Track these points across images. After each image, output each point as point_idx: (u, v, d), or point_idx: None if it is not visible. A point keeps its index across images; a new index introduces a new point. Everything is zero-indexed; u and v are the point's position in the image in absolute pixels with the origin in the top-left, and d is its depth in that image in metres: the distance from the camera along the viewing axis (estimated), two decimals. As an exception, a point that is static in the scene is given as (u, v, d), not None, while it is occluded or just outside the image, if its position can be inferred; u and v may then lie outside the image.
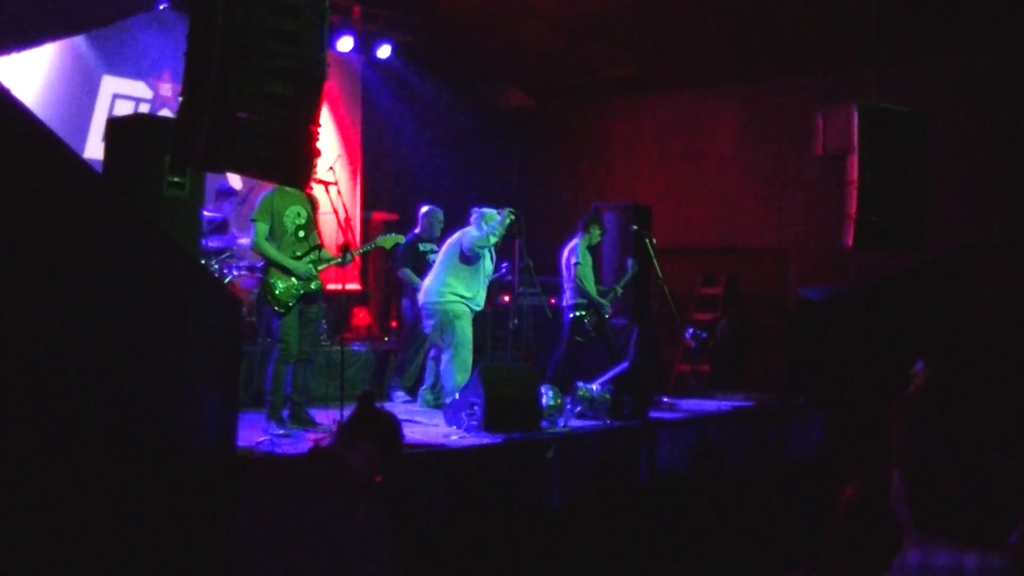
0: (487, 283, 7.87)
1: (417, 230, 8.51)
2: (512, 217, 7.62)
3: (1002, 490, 1.39)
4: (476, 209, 7.85)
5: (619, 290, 8.89)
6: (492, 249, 7.77)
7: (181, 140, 4.76)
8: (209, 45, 4.64)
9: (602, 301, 8.69)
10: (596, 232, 8.79)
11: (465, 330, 7.53)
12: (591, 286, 8.65)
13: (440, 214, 8.50)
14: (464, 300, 7.58)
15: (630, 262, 9.02)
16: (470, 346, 7.55)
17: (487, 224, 7.63)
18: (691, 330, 10.17)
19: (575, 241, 8.70)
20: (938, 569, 1.38)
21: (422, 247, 8.41)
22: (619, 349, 8.95)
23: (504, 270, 8.66)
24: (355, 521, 3.12)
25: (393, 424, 3.37)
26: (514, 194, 9.19)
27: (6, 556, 3.36)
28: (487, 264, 7.78)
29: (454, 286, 7.58)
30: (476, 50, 11.98)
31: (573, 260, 8.61)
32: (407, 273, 8.34)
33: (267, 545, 3.14)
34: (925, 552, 1.41)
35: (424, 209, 8.60)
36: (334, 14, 5.25)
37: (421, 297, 7.77)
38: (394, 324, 10.19)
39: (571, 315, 8.61)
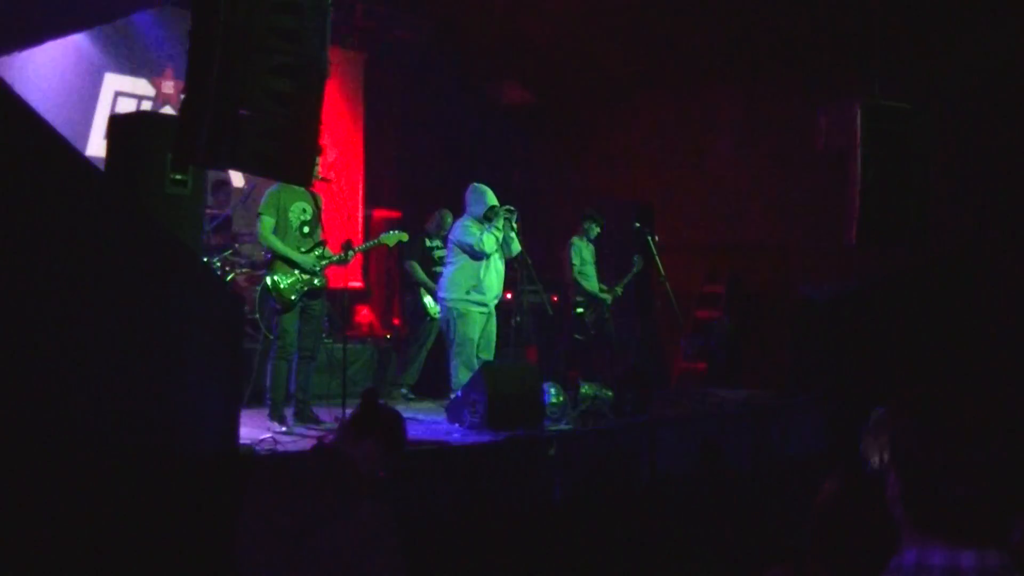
0: (501, 274, 7.74)
1: (428, 225, 8.60)
2: (511, 215, 7.61)
3: (998, 488, 1.39)
4: (473, 186, 7.77)
5: (619, 290, 8.89)
6: (502, 235, 7.63)
7: (183, 137, 4.76)
8: (211, 42, 4.64)
9: (604, 297, 8.68)
10: (593, 229, 8.78)
11: (467, 330, 7.51)
12: (592, 284, 8.64)
13: (449, 215, 8.58)
14: (467, 299, 7.54)
15: (635, 259, 9.02)
16: (472, 345, 7.52)
17: (478, 203, 7.59)
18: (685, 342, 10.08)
19: (573, 241, 8.70)
20: (934, 568, 1.38)
21: (429, 243, 8.51)
22: (621, 346, 8.96)
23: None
24: (359, 517, 3.12)
25: (396, 420, 3.37)
26: (516, 191, 9.17)
27: (7, 556, 3.37)
28: (495, 261, 7.68)
29: (459, 282, 7.56)
30: (478, 47, 11.97)
31: (568, 262, 8.61)
32: (412, 266, 8.40)
33: (272, 542, 3.14)
34: (921, 551, 1.41)
35: (440, 210, 8.72)
36: (336, 11, 5.25)
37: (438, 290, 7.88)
38: (396, 322, 10.20)
39: (571, 312, 8.62)
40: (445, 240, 8.22)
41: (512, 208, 7.63)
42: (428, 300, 8.37)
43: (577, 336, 8.62)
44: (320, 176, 6.36)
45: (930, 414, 1.44)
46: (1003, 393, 1.49)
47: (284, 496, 3.21)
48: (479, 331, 7.56)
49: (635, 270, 8.93)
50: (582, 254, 8.66)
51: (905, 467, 1.44)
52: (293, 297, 6.35)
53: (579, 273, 8.59)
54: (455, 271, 7.59)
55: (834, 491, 2.26)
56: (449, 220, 8.51)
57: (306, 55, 4.90)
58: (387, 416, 3.37)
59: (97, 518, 3.81)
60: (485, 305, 7.57)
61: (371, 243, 7.24)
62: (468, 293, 7.51)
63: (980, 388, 1.48)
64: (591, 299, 8.62)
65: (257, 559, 3.17)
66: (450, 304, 7.56)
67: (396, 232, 7.50)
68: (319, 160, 6.05)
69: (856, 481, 2.31)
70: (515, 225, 7.61)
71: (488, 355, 7.59)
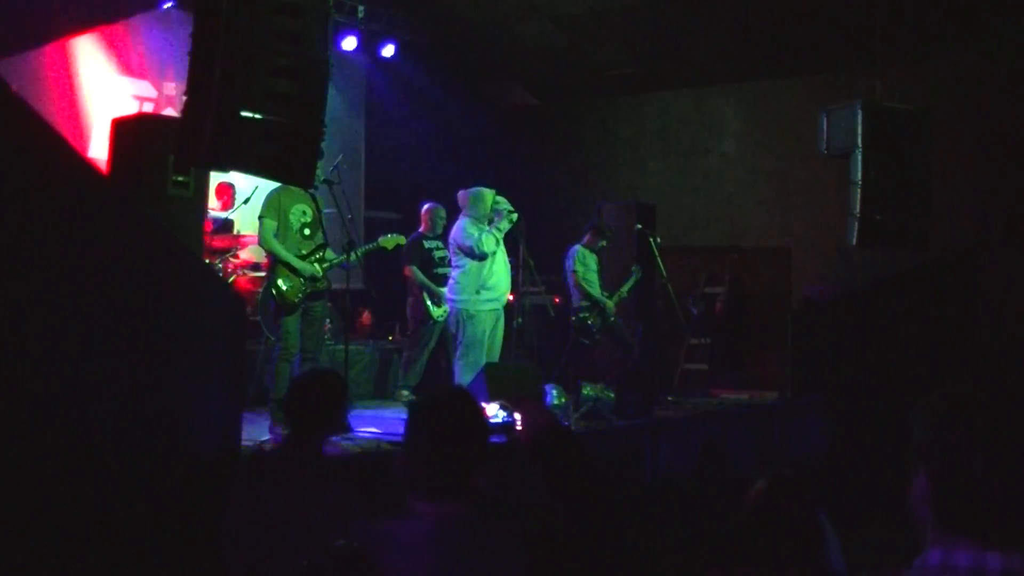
0: (508, 266, 7.64)
1: (421, 228, 8.52)
2: (513, 217, 7.57)
3: None
4: (464, 192, 7.65)
5: (623, 293, 8.88)
6: (502, 235, 7.56)
7: (185, 139, 4.76)
8: (213, 44, 4.64)
9: (607, 302, 8.64)
10: (599, 241, 8.76)
11: (476, 332, 7.46)
12: (595, 290, 8.61)
13: (442, 210, 8.52)
14: (477, 299, 7.50)
15: (633, 268, 8.99)
16: (482, 347, 7.46)
17: (478, 207, 7.54)
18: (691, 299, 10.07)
19: (576, 248, 8.66)
20: (959, 569, 1.37)
21: (427, 244, 8.42)
22: (632, 343, 8.91)
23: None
24: (327, 502, 3.24)
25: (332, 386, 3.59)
26: (518, 193, 9.18)
27: (7, 556, 3.36)
28: (500, 257, 7.64)
29: (465, 284, 7.51)
30: (480, 49, 11.97)
31: (571, 268, 8.58)
32: (414, 271, 8.34)
33: (262, 536, 3.20)
34: (946, 551, 1.39)
35: (426, 207, 8.61)
36: (338, 13, 5.24)
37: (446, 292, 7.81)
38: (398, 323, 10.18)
39: (574, 317, 8.59)
40: (445, 240, 8.19)
41: (513, 210, 7.60)
42: (430, 303, 8.33)
43: (583, 340, 8.58)
44: (323, 178, 6.36)
45: (961, 415, 1.43)
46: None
47: (267, 490, 3.32)
48: (488, 332, 7.51)
49: (633, 280, 8.89)
50: (586, 261, 8.62)
51: (935, 467, 1.43)
52: (296, 300, 6.34)
53: (583, 279, 8.56)
54: (461, 274, 7.52)
55: (762, 493, 2.26)
56: (442, 215, 8.49)
57: (307, 57, 4.90)
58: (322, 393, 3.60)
59: (99, 519, 3.80)
60: (496, 300, 7.51)
61: (369, 246, 7.20)
62: (477, 292, 7.44)
63: (1010, 390, 1.47)
64: (595, 304, 8.60)
65: (249, 554, 3.22)
66: (459, 306, 7.48)
67: (394, 235, 7.46)
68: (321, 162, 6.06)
69: (783, 482, 2.32)
70: (517, 231, 7.61)
71: (493, 358, 7.56)
